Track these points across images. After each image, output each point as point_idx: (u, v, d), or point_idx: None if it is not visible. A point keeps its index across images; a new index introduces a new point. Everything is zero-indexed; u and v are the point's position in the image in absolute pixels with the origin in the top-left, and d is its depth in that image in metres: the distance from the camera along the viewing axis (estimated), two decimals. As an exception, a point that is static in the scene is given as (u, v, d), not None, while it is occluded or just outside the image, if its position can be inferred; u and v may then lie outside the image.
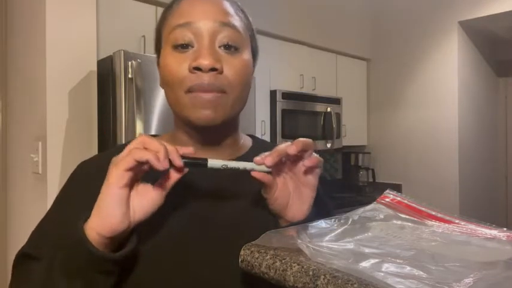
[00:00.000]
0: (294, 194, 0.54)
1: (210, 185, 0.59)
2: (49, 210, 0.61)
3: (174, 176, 0.49)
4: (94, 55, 1.71)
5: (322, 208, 0.62)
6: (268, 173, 0.52)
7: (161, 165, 0.45)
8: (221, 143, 0.62)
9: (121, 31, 2.00)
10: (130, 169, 0.45)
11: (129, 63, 1.67)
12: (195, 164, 0.49)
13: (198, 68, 0.53)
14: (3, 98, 2.05)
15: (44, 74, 1.58)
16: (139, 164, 0.45)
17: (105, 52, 1.81)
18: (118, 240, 0.48)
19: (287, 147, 0.50)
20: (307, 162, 0.51)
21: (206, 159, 0.49)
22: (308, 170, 0.53)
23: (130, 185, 0.47)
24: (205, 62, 0.53)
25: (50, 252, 0.50)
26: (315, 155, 0.52)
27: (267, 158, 0.50)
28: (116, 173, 0.45)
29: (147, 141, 0.46)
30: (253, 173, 0.51)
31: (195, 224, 0.56)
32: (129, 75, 1.67)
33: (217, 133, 0.60)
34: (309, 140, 0.52)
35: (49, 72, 1.57)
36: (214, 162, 0.49)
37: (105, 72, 1.75)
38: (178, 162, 0.47)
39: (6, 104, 2.05)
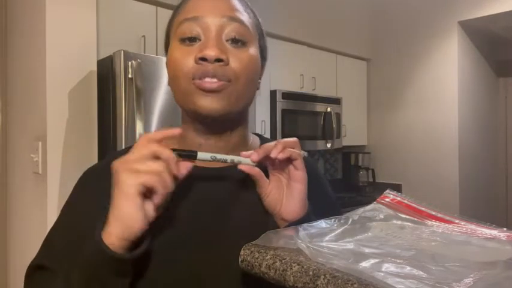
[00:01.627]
0: (286, 190, 0.55)
1: (212, 189, 0.59)
2: (59, 219, 0.61)
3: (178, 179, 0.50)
4: (94, 55, 1.71)
5: (328, 203, 0.62)
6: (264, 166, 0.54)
7: (167, 190, 0.47)
8: (227, 138, 0.61)
9: (121, 31, 2.00)
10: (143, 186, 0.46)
11: (129, 63, 1.67)
12: (185, 156, 0.51)
13: (203, 59, 0.53)
14: (3, 98, 2.05)
15: (44, 74, 1.58)
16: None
17: (105, 52, 1.81)
18: (132, 242, 0.48)
19: (270, 150, 0.52)
20: (280, 155, 0.53)
21: (196, 152, 0.51)
22: (284, 163, 0.54)
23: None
24: (211, 52, 0.53)
25: (65, 262, 0.50)
26: (291, 150, 0.53)
27: (253, 155, 0.52)
28: (131, 181, 0.46)
29: (160, 169, 0.46)
30: (240, 166, 0.52)
31: (197, 227, 0.56)
32: (129, 75, 1.67)
33: (223, 125, 0.60)
34: (291, 140, 0.54)
35: (49, 72, 1.57)
36: (203, 155, 0.51)
37: (105, 72, 1.75)
38: (178, 172, 0.49)
39: (6, 104, 2.05)
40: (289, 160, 0.54)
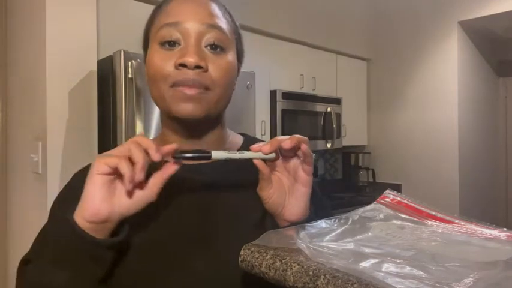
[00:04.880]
0: (289, 192, 0.55)
1: (207, 182, 0.60)
2: (48, 215, 0.62)
3: (163, 174, 0.50)
4: (94, 55, 1.71)
5: (321, 209, 0.62)
6: (268, 161, 0.53)
7: (130, 182, 0.47)
8: (205, 138, 0.62)
9: (121, 31, 2.00)
10: (109, 166, 0.47)
11: (129, 63, 1.67)
12: (199, 158, 0.50)
13: (183, 65, 0.55)
14: (3, 98, 2.05)
15: (44, 74, 1.57)
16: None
17: (105, 52, 1.81)
18: (108, 230, 0.49)
19: (283, 141, 0.51)
20: (303, 146, 0.52)
21: (210, 152, 0.50)
22: (291, 164, 0.54)
23: (114, 175, 0.48)
24: (191, 59, 0.54)
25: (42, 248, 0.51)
26: (307, 149, 0.53)
27: (264, 146, 0.51)
28: (96, 163, 0.48)
29: (132, 148, 0.47)
30: (255, 160, 0.52)
31: (192, 219, 0.57)
32: (129, 75, 1.67)
33: (200, 127, 0.61)
34: (305, 138, 0.53)
35: (49, 72, 1.57)
36: (217, 154, 0.50)
37: (105, 72, 1.75)
38: (157, 157, 0.48)
39: (6, 104, 2.05)
40: (298, 160, 0.54)
